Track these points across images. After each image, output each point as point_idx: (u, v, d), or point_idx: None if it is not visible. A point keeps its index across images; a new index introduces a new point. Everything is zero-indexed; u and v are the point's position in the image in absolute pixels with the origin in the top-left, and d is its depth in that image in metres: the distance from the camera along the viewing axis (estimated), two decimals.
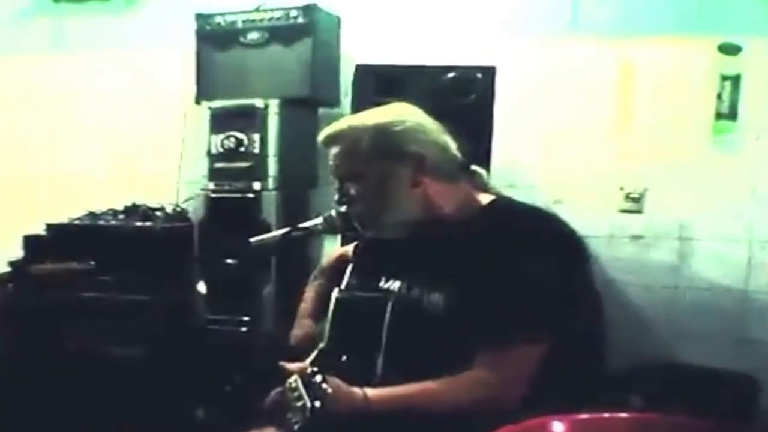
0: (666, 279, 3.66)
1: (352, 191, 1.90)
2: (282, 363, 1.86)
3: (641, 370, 3.39)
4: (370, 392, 1.65)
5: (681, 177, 3.61)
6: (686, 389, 3.27)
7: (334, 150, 1.92)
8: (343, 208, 1.98)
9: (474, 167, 2.02)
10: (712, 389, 3.28)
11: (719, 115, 3.56)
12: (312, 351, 2.04)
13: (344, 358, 1.86)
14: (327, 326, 2.00)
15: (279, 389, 1.76)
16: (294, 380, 1.60)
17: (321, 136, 1.95)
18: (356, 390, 1.64)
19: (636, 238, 3.69)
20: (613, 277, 3.63)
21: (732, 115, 3.55)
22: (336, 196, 1.96)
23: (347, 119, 1.97)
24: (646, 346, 3.58)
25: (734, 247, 3.58)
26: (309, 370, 1.57)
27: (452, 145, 1.92)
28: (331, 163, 1.94)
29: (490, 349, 1.69)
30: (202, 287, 3.63)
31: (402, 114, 1.90)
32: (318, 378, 1.53)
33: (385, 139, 1.86)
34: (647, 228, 3.68)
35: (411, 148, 1.85)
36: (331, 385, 1.54)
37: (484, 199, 1.94)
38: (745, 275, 3.57)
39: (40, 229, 3.78)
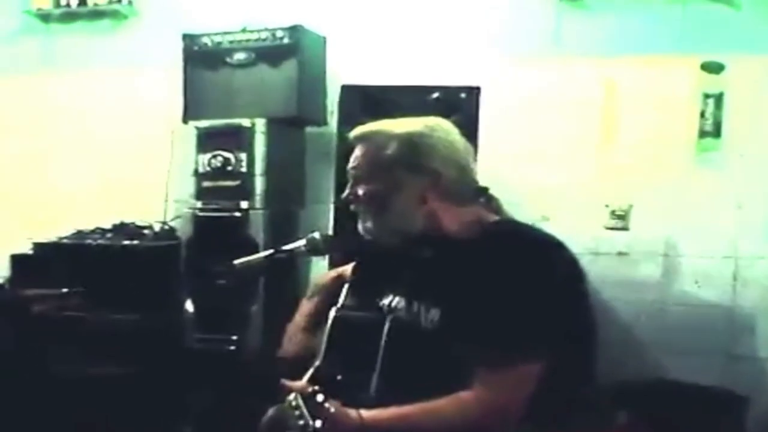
0: (652, 295, 3.67)
1: (360, 191, 1.89)
2: (283, 380, 1.84)
3: (628, 386, 3.39)
4: (366, 413, 1.64)
5: (666, 194, 3.63)
6: (674, 406, 3.27)
7: (358, 150, 1.92)
8: (352, 207, 1.96)
9: (491, 192, 2.01)
10: (699, 406, 3.28)
11: (703, 133, 3.59)
12: (303, 366, 2.02)
13: (339, 377, 1.85)
14: (323, 344, 1.99)
15: (277, 407, 1.76)
16: (294, 398, 1.56)
17: (351, 134, 1.95)
18: (352, 411, 1.62)
19: (622, 254, 3.70)
20: (599, 293, 3.64)
21: (716, 132, 3.58)
22: (345, 193, 1.95)
23: (381, 123, 1.94)
24: (632, 363, 3.59)
25: (720, 264, 3.60)
26: (310, 389, 1.55)
27: (475, 169, 1.91)
28: (351, 161, 1.94)
29: (488, 369, 1.66)
30: (189, 306, 3.62)
31: (435, 128, 1.87)
32: (320, 397, 1.52)
33: (409, 149, 1.83)
34: (633, 245, 3.70)
35: (431, 164, 1.82)
36: (334, 405, 1.54)
37: (490, 220, 1.92)
38: (731, 291, 3.59)
39: (27, 248, 3.79)
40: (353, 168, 1.92)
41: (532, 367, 1.66)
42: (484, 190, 1.97)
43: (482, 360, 1.68)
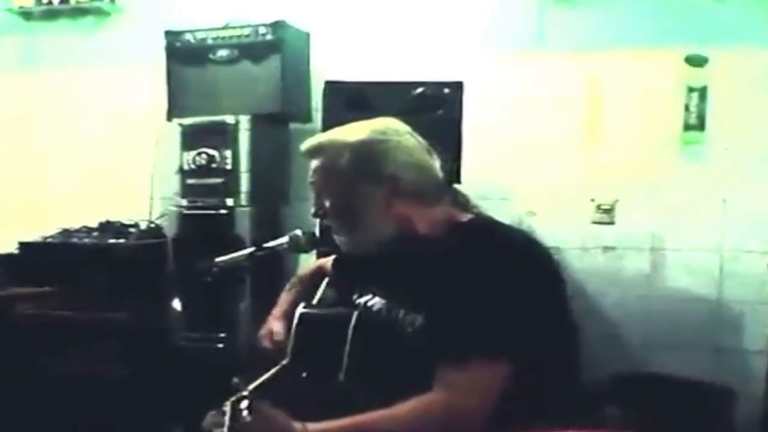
0: (639, 289, 3.68)
1: (327, 204, 1.86)
2: (234, 378, 1.82)
3: (616, 381, 3.40)
4: (312, 426, 1.58)
5: (651, 188, 3.63)
6: (660, 400, 3.27)
7: (314, 163, 1.88)
8: (318, 221, 1.96)
9: (456, 187, 1.99)
10: (686, 400, 3.28)
11: (688, 127, 3.59)
12: (278, 355, 2.01)
13: (304, 374, 1.83)
14: (290, 342, 1.96)
15: (215, 411, 1.68)
16: (227, 404, 1.53)
17: (303, 148, 1.91)
18: (295, 424, 1.56)
19: (608, 249, 3.70)
20: (586, 288, 3.65)
21: (700, 126, 3.58)
22: (312, 209, 1.93)
23: (331, 133, 1.91)
24: (619, 357, 3.60)
25: (706, 257, 3.60)
26: (239, 395, 1.50)
27: (435, 166, 1.86)
28: (310, 175, 1.90)
29: (449, 368, 1.62)
30: (177, 304, 3.61)
31: (386, 132, 1.83)
32: (244, 404, 1.48)
33: (364, 158, 1.80)
34: (619, 239, 3.69)
35: (388, 170, 1.79)
36: (262, 414, 1.50)
37: (463, 218, 1.88)
38: (718, 284, 3.59)
39: (13, 248, 3.77)
40: (312, 182, 1.90)
41: (494, 366, 1.62)
42: (449, 186, 1.94)
43: (443, 360, 1.63)
